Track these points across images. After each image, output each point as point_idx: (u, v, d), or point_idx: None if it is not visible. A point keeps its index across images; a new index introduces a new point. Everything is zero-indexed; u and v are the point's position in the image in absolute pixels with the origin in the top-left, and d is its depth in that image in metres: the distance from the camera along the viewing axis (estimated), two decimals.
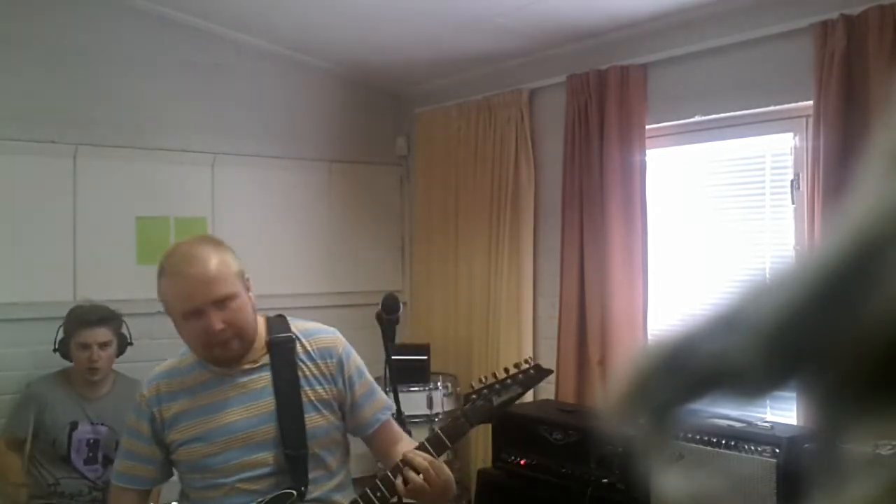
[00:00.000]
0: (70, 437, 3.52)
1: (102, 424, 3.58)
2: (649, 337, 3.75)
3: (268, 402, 2.06)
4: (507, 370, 2.17)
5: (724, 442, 2.87)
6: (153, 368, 2.20)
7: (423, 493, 1.96)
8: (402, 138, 5.20)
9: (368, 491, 2.02)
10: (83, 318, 3.56)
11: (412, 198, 5.15)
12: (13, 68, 3.98)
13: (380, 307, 2.77)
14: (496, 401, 2.12)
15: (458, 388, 4.50)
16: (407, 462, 1.98)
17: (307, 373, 2.10)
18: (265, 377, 2.08)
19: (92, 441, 3.56)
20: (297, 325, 2.18)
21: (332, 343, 2.16)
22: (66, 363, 3.63)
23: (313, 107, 4.90)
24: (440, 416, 4.21)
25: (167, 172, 4.38)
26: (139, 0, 4.23)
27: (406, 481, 1.96)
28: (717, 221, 3.64)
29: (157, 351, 4.30)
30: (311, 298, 4.78)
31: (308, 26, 4.33)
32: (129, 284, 4.23)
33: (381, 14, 4.02)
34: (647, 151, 3.73)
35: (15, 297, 3.91)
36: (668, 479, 0.52)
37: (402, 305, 3.23)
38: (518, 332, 4.29)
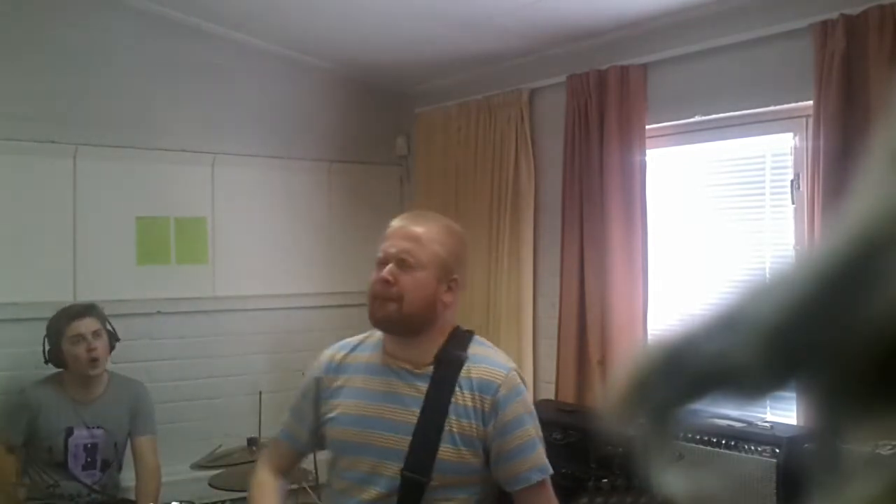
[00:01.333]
0: (66, 443, 3.49)
1: (99, 427, 3.54)
2: (649, 337, 3.75)
3: (412, 414, 1.92)
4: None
5: (724, 442, 2.87)
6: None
7: None
8: (402, 138, 5.19)
9: None
10: (68, 312, 3.56)
11: (412, 198, 5.15)
12: (13, 68, 3.97)
13: None
14: None
15: None
16: None
17: (459, 401, 1.92)
18: (422, 388, 1.94)
19: (89, 446, 3.53)
20: (475, 348, 2.01)
21: (496, 379, 1.94)
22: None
23: (313, 107, 4.90)
24: None
25: (167, 172, 4.38)
26: (139, 0, 4.23)
27: None
28: (717, 221, 3.64)
29: (158, 351, 4.34)
30: (312, 298, 4.78)
31: (308, 26, 4.32)
32: (129, 284, 4.24)
33: (381, 14, 4.02)
34: (647, 151, 3.73)
35: (15, 297, 3.91)
36: (668, 479, 0.52)
37: None
38: (518, 332, 4.29)
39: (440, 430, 1.90)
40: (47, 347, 3.58)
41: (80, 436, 3.51)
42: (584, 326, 3.91)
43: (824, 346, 0.42)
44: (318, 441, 2.09)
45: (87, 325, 3.52)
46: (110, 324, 3.70)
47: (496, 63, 4.46)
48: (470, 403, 1.92)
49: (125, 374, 3.79)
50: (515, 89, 4.34)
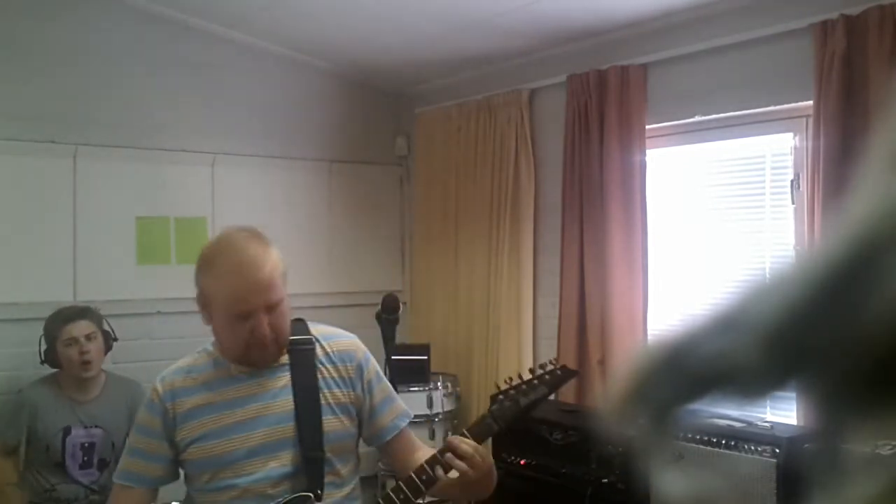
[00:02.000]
0: (64, 442, 3.48)
1: (97, 427, 3.54)
2: (649, 337, 3.75)
3: (286, 402, 2.02)
4: (532, 371, 2.14)
5: (724, 442, 2.87)
6: (168, 367, 2.13)
7: (467, 478, 1.92)
8: (402, 138, 5.20)
9: (391, 493, 1.97)
10: (62, 315, 3.55)
11: (412, 198, 5.16)
12: (13, 68, 3.98)
13: (380, 307, 2.77)
14: (523, 402, 2.08)
15: (458, 388, 4.50)
16: (451, 447, 1.93)
17: (326, 375, 2.07)
18: (284, 377, 2.04)
19: (87, 445, 3.53)
20: (317, 329, 2.16)
21: (351, 347, 2.14)
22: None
23: (313, 107, 4.90)
24: (440, 416, 4.21)
25: (167, 172, 4.38)
26: (139, 0, 4.23)
27: (447, 468, 1.93)
28: (717, 221, 3.64)
29: (157, 351, 4.33)
30: (311, 298, 4.76)
31: (308, 26, 4.33)
32: (129, 284, 4.24)
33: (381, 14, 4.02)
34: (647, 151, 3.73)
35: (15, 297, 3.91)
36: (668, 479, 0.52)
37: (402, 305, 3.24)
38: (518, 332, 4.29)
39: (318, 405, 2.02)
40: (43, 347, 3.59)
41: (78, 435, 3.51)
42: (584, 326, 3.92)
43: (824, 347, 0.42)
44: (175, 472, 2.08)
45: (80, 328, 3.51)
46: (108, 324, 3.70)
47: (496, 63, 4.46)
48: (336, 375, 2.08)
49: (125, 374, 3.79)
50: (515, 89, 4.34)
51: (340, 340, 2.15)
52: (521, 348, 4.28)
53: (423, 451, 2.12)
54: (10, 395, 3.69)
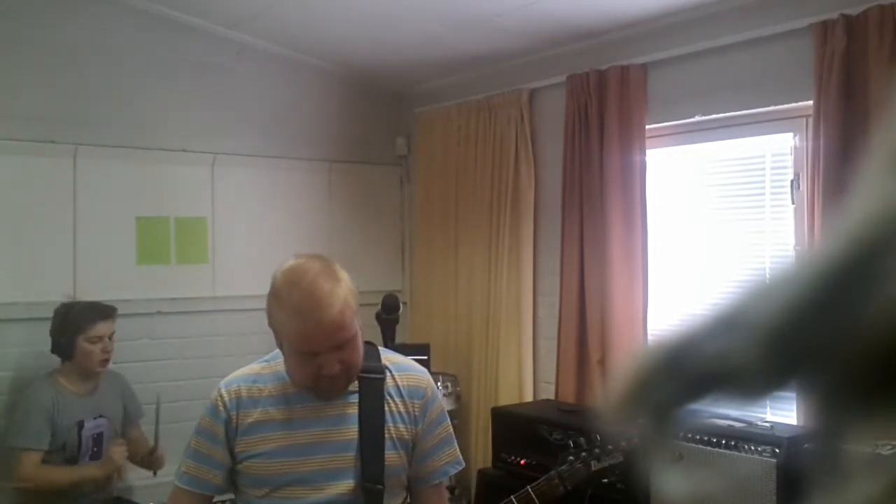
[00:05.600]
0: (80, 435, 3.53)
1: (101, 417, 3.61)
2: (649, 337, 3.75)
3: (351, 431, 1.98)
4: (608, 437, 2.05)
5: (724, 442, 2.87)
6: (233, 372, 2.06)
7: None
8: (402, 138, 5.20)
9: None
10: (96, 310, 3.59)
11: (412, 198, 5.16)
12: (13, 68, 3.98)
13: (380, 307, 2.77)
14: (595, 466, 2.01)
15: (459, 388, 4.49)
16: None
17: (393, 408, 2.02)
18: (352, 405, 1.99)
19: (96, 436, 3.59)
20: (389, 358, 2.10)
21: (422, 383, 2.08)
22: (51, 367, 3.62)
23: (313, 107, 4.90)
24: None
25: (167, 172, 4.38)
26: (139, 0, 4.23)
27: None
28: (717, 221, 3.64)
29: (157, 351, 4.34)
30: None
31: (308, 26, 4.33)
32: (129, 284, 4.24)
33: (381, 14, 4.02)
34: (647, 151, 3.73)
35: (15, 297, 3.91)
36: (668, 479, 0.52)
37: (402, 305, 3.24)
38: (518, 332, 4.29)
39: (382, 438, 1.99)
40: (58, 338, 3.58)
41: (89, 427, 3.58)
42: (584, 326, 3.91)
43: (824, 347, 0.42)
44: (231, 482, 2.04)
45: (108, 327, 3.59)
46: None
47: (496, 63, 4.46)
48: (402, 409, 2.03)
49: (125, 374, 3.83)
50: (515, 89, 4.34)
51: (411, 374, 2.09)
52: (521, 348, 4.28)
53: None
54: (18, 398, 3.67)
